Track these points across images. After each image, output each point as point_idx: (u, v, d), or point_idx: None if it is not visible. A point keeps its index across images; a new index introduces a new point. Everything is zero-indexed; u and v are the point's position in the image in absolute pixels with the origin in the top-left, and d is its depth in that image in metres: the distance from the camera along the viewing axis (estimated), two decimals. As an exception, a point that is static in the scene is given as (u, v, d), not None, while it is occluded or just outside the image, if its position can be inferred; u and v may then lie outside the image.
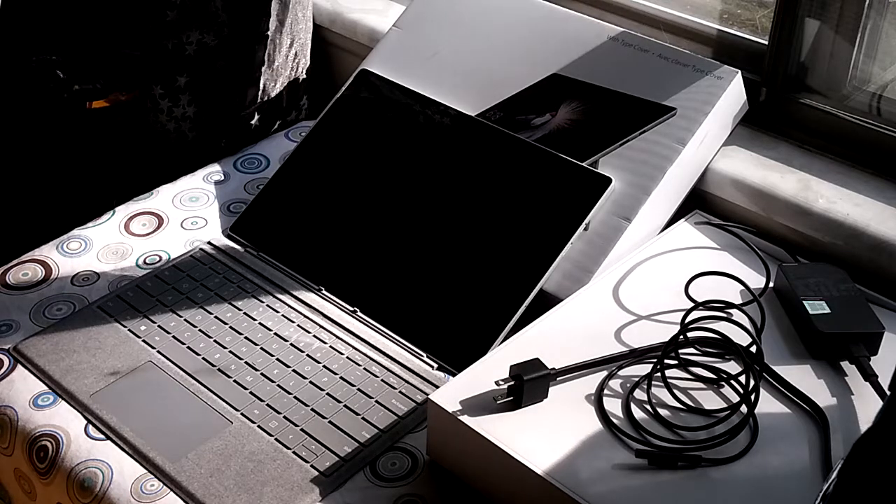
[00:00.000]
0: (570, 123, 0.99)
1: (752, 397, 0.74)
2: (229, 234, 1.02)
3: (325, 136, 1.06)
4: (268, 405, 0.83)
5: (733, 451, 0.72)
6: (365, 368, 0.86)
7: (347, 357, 0.87)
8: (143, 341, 0.89)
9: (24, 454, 0.83)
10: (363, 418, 0.82)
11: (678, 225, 0.95)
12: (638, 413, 0.75)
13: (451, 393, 0.76)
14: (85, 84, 1.15)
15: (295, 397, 0.83)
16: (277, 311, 0.92)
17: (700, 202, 0.99)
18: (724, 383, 0.78)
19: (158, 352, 0.88)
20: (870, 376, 0.78)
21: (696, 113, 0.95)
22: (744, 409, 0.74)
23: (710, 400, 0.77)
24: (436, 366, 0.86)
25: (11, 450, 0.84)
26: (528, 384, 0.75)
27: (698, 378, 0.79)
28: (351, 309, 0.92)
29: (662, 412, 0.75)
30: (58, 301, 0.94)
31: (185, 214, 1.05)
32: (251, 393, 0.84)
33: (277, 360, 0.87)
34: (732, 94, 0.97)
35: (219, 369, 0.86)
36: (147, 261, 0.99)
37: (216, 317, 0.91)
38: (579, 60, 1.03)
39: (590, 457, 0.72)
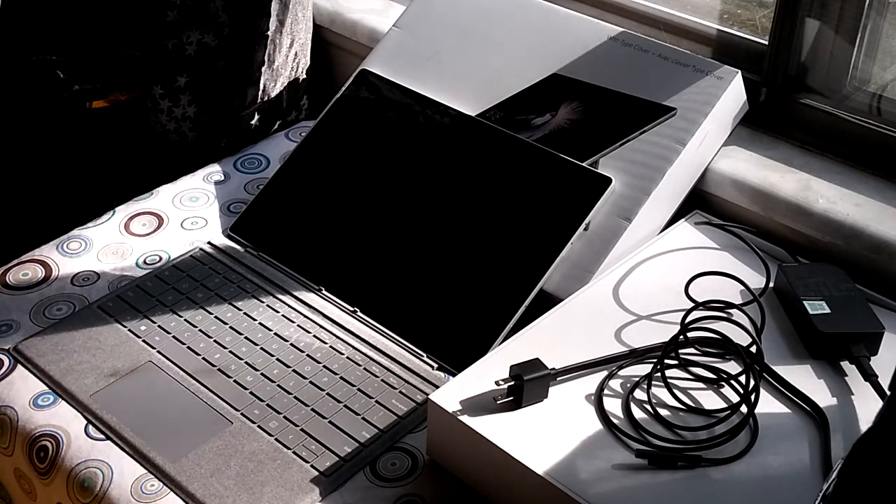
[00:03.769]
0: (570, 123, 0.99)
1: (752, 397, 0.74)
2: (229, 234, 1.02)
3: (325, 136, 1.06)
4: (268, 405, 0.83)
5: (733, 451, 0.72)
6: (365, 368, 0.86)
7: (347, 357, 0.87)
8: (143, 341, 0.89)
9: (24, 454, 0.83)
10: (363, 418, 0.82)
11: (678, 225, 0.95)
12: (638, 413, 0.75)
13: (451, 393, 0.76)
14: (85, 84, 1.15)
15: (295, 397, 0.83)
16: (277, 311, 0.92)
17: (700, 202, 0.99)
18: (724, 383, 0.78)
19: (158, 352, 0.88)
20: (870, 376, 0.78)
21: (695, 113, 0.95)
22: (744, 409, 0.74)
23: (710, 400, 0.77)
24: (436, 366, 0.86)
25: (11, 450, 0.84)
26: (528, 384, 0.75)
27: (698, 378, 0.79)
28: (351, 309, 0.92)
29: (662, 412, 0.75)
30: (58, 301, 0.94)
31: (185, 214, 1.05)
32: (251, 393, 0.84)
33: (277, 360, 0.87)
34: (732, 95, 0.97)
35: (219, 369, 0.86)
36: (147, 261, 0.99)
37: (216, 317, 0.91)
38: (579, 60, 1.03)
39: (590, 457, 0.72)
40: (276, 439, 0.80)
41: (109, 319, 0.91)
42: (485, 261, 0.91)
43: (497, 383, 0.75)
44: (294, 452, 0.79)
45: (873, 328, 0.81)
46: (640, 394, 0.77)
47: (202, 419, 0.82)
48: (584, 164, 0.93)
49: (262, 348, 0.88)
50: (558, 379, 0.78)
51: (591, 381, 0.78)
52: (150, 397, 0.84)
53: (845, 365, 0.80)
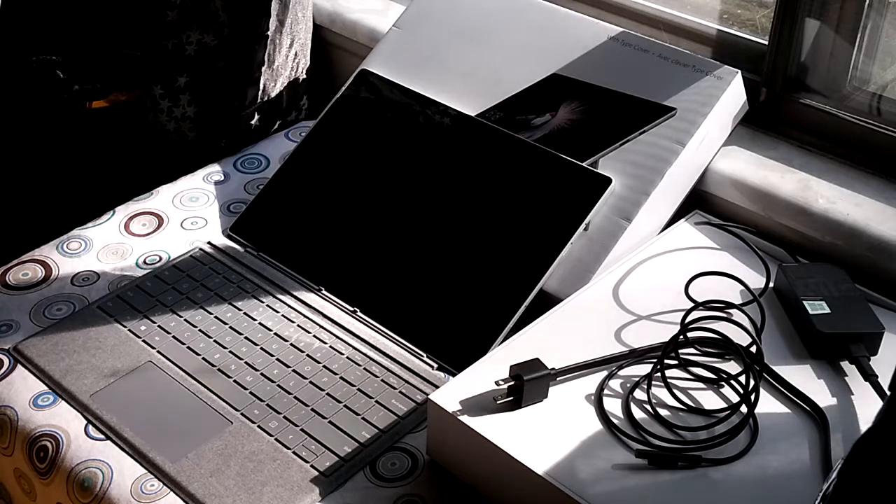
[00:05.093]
0: (570, 123, 0.99)
1: (752, 397, 0.74)
2: (229, 234, 1.02)
3: (325, 136, 1.06)
4: (268, 405, 0.83)
5: (733, 451, 0.72)
6: (365, 368, 0.86)
7: (347, 357, 0.87)
8: (143, 341, 0.89)
9: (24, 454, 0.83)
10: (363, 418, 0.82)
11: (678, 225, 0.95)
12: (638, 413, 0.75)
13: (451, 393, 0.76)
14: (85, 84, 1.15)
15: (295, 397, 0.83)
16: (277, 311, 0.92)
17: (700, 202, 0.99)
18: (724, 383, 0.78)
19: (158, 352, 0.88)
20: (870, 376, 0.78)
21: (695, 113, 0.95)
22: (744, 409, 0.74)
23: (710, 400, 0.77)
24: (436, 366, 0.86)
25: (11, 450, 0.84)
26: (528, 384, 0.75)
27: (698, 378, 0.79)
28: (351, 309, 0.92)
29: (662, 412, 0.75)
30: (58, 301, 0.94)
31: (185, 214, 1.05)
32: (251, 393, 0.84)
33: (277, 360, 0.87)
34: (732, 95, 0.97)
35: (219, 369, 0.86)
36: (147, 261, 0.99)
37: (216, 317, 0.91)
38: (579, 60, 1.03)
39: (590, 457, 0.72)
40: (276, 439, 0.80)
41: (109, 319, 0.91)
42: (485, 261, 0.91)
43: (497, 383, 0.75)
44: (294, 452, 0.79)
45: (873, 328, 0.81)
46: (640, 394, 0.77)
47: (202, 419, 0.82)
48: (584, 164, 0.93)
49: (262, 348, 0.88)
50: (558, 379, 0.78)
51: (591, 381, 0.78)
52: (150, 397, 0.84)
53: (845, 365, 0.80)
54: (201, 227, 1.04)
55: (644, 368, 0.79)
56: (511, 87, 1.04)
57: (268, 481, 0.77)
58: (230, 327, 0.90)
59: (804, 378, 0.79)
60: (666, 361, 0.78)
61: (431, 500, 0.76)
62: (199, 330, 0.90)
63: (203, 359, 0.87)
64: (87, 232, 1.03)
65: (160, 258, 0.99)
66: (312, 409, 0.82)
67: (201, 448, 0.80)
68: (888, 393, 0.70)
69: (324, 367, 0.86)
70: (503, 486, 0.73)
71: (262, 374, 0.86)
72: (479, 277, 0.90)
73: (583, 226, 0.90)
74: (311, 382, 0.85)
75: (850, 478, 0.57)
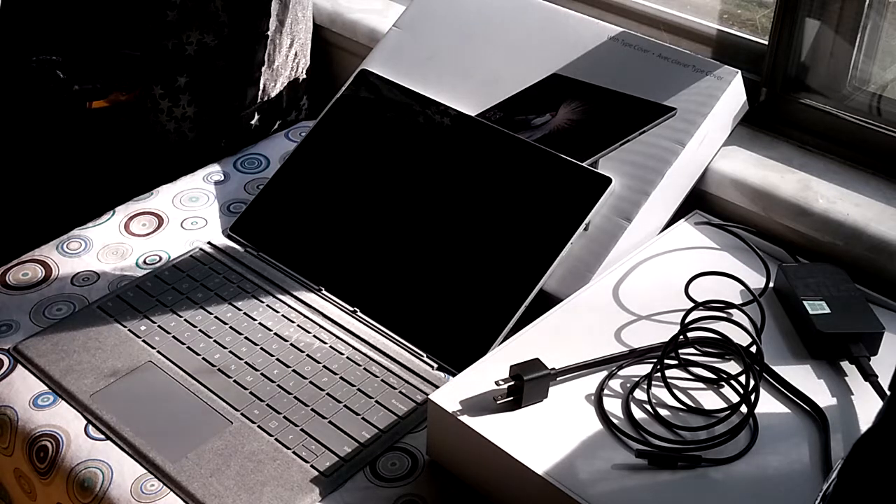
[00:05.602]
0: (570, 123, 0.99)
1: (752, 397, 0.74)
2: (229, 234, 1.02)
3: (325, 136, 1.06)
4: (268, 405, 0.83)
5: (733, 451, 0.72)
6: (365, 368, 0.86)
7: (347, 357, 0.87)
8: (143, 341, 0.89)
9: (24, 454, 0.83)
10: (363, 418, 0.82)
11: (678, 225, 0.95)
12: (638, 413, 0.75)
13: (451, 393, 0.76)
14: (85, 84, 1.15)
15: (295, 397, 0.83)
16: (277, 311, 0.92)
17: (700, 202, 0.99)
18: (724, 383, 0.78)
19: (158, 352, 0.88)
20: (870, 376, 0.78)
21: (695, 113, 0.95)
22: (744, 409, 0.74)
23: (710, 400, 0.77)
24: (436, 366, 0.86)
25: (11, 450, 0.84)
26: (528, 384, 0.75)
27: (698, 378, 0.79)
28: (351, 309, 0.92)
29: (662, 412, 0.75)
30: (58, 301, 0.94)
31: (185, 214, 1.05)
32: (251, 393, 0.84)
33: (277, 360, 0.87)
34: (732, 95, 0.97)
35: (219, 369, 0.86)
36: (147, 261, 0.99)
37: (216, 317, 0.91)
38: (579, 60, 1.03)
39: (590, 457, 0.72)
40: (276, 439, 0.80)
41: (109, 319, 0.91)
42: (485, 261, 0.91)
43: (497, 383, 0.75)
44: (294, 452, 0.79)
45: (873, 328, 0.81)
46: (640, 394, 0.77)
47: (202, 419, 0.82)
48: (584, 164, 0.93)
49: (262, 348, 0.88)
50: (558, 379, 0.78)
51: (591, 381, 0.78)
52: (150, 397, 0.84)
53: (845, 365, 0.80)
54: (201, 227, 1.04)
55: (644, 368, 0.79)
56: (511, 87, 1.04)
57: (268, 481, 0.77)
58: (230, 327, 0.90)
59: (804, 378, 0.79)
60: (666, 361, 0.78)
61: (431, 500, 0.76)
62: (199, 330, 0.90)
63: (203, 359, 0.87)
64: (87, 232, 1.03)
65: (160, 258, 0.99)
66: (312, 409, 0.82)
67: (201, 448, 0.80)
68: (888, 393, 0.70)
69: (324, 367, 0.86)
70: (503, 486, 0.73)
71: (262, 374, 0.86)
72: (479, 277, 0.90)
73: (583, 226, 0.90)
74: (311, 382, 0.85)
75: (850, 478, 0.57)
